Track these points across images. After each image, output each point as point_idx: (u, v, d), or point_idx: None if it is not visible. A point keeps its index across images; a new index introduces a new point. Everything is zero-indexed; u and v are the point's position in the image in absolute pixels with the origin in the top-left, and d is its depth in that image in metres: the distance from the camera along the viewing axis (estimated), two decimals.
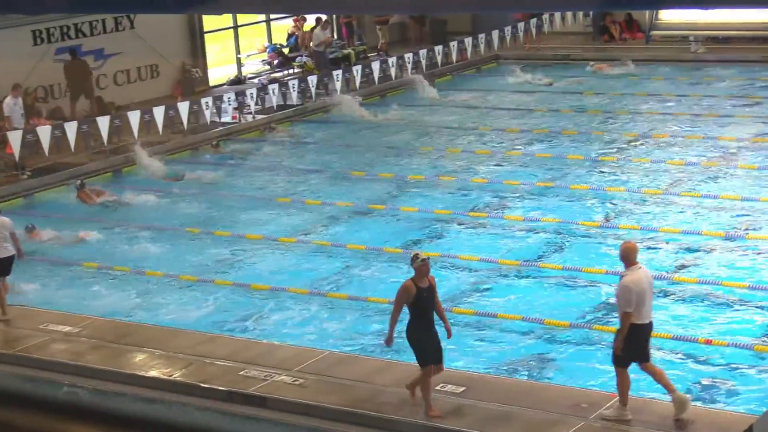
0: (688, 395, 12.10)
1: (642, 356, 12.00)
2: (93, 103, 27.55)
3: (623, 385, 12.01)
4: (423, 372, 12.33)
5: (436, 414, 12.26)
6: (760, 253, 17.19)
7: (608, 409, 12.11)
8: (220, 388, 13.34)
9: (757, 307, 15.29)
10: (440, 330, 12.43)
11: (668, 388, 11.94)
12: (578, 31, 36.31)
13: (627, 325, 11.81)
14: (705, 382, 13.32)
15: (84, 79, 27.91)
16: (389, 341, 12.49)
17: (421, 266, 12.26)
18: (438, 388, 12.83)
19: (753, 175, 21.18)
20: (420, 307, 12.26)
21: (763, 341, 14.21)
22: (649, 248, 17.68)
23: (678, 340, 14.28)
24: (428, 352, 12.25)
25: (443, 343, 12.39)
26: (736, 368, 13.54)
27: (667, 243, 17.84)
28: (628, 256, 12.05)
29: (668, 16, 34.50)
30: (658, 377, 12.03)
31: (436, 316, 12.47)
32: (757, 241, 17.62)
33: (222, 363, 13.93)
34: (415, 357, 12.46)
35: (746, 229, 18.18)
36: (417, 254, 12.53)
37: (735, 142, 23.57)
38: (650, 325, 12.02)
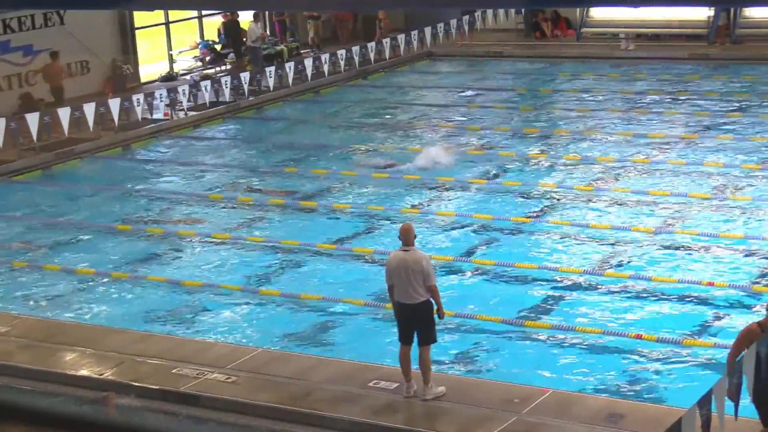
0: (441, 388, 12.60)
1: (402, 336, 12.59)
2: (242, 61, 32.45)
3: (400, 359, 12.63)
4: None
5: None
6: (688, 248, 17.42)
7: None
8: (152, 386, 13.26)
9: (685, 300, 15.48)
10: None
11: (424, 378, 12.53)
12: (510, 28, 36.59)
13: (390, 296, 12.70)
14: (634, 376, 13.47)
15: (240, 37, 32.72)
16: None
17: None
18: (371, 384, 12.87)
19: (682, 171, 21.45)
20: (764, 354, 10.42)
21: (691, 335, 14.41)
22: (579, 243, 17.87)
23: (608, 335, 14.44)
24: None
25: None
26: (665, 362, 13.71)
27: (597, 238, 18.01)
28: (400, 237, 12.76)
29: (599, 13, 34.84)
30: (415, 362, 12.62)
31: None
32: (685, 236, 17.85)
33: (154, 361, 13.85)
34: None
35: (671, 225, 18.42)
36: None
37: (664, 138, 23.87)
38: (409, 307, 12.45)
